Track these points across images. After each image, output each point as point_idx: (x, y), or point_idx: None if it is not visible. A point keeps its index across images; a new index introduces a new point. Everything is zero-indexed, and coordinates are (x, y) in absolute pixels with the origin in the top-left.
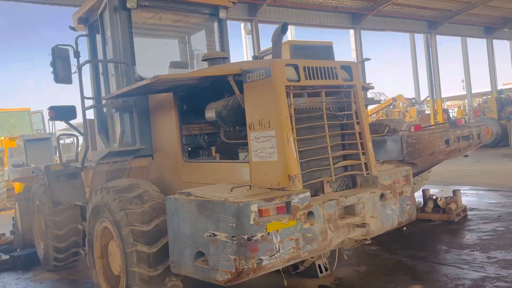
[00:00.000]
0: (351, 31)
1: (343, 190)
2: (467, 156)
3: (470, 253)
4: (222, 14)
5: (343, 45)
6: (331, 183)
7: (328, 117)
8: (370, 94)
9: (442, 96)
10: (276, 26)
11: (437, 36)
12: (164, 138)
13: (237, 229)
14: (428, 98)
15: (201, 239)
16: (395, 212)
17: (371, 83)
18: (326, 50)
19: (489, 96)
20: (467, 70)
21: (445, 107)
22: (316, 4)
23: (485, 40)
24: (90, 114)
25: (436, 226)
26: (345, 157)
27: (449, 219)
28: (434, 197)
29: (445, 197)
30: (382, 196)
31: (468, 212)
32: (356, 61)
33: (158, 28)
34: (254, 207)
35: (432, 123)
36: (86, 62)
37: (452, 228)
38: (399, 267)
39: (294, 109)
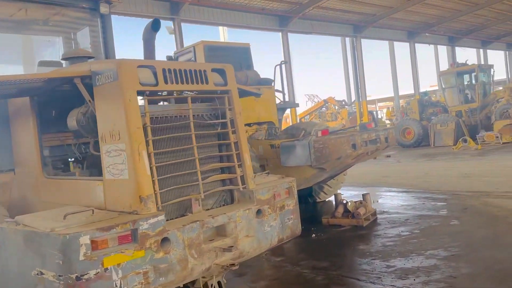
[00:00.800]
0: (280, 34)
1: (221, 207)
2: (389, 156)
3: (371, 262)
4: (103, 9)
5: (279, 47)
6: (200, 201)
7: (200, 126)
8: (304, 96)
9: (375, 97)
10: (201, 26)
11: (372, 40)
12: (24, 149)
13: (63, 266)
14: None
15: (29, 277)
16: (275, 228)
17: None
18: (243, 52)
19: (412, 98)
20: (394, 73)
21: (377, 109)
22: (242, 5)
23: (408, 43)
24: None
25: (344, 232)
26: (223, 170)
27: (358, 223)
28: (344, 201)
29: (355, 201)
30: (259, 212)
31: (378, 216)
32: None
33: (40, 24)
34: (85, 239)
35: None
36: None
37: (360, 234)
38: (298, 281)
39: (157, 117)
